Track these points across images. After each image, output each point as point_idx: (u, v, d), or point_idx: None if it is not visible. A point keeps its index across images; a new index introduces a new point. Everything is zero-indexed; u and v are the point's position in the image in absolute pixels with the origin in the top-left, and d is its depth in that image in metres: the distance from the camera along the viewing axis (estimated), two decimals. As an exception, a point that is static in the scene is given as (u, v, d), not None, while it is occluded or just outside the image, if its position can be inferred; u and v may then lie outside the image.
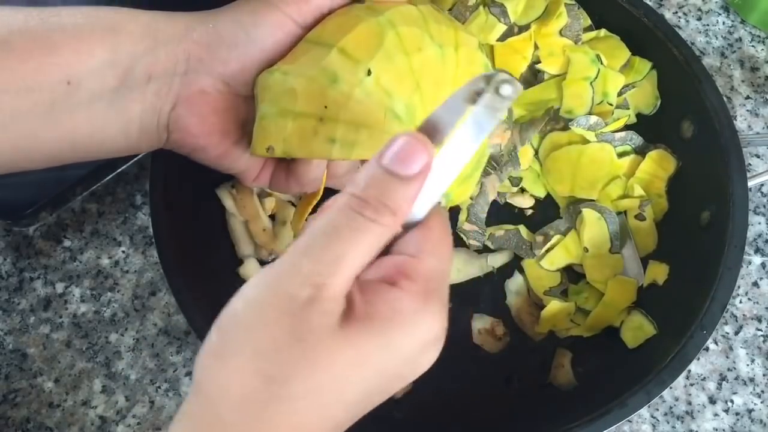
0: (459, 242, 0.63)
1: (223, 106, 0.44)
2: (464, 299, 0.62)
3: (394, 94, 0.41)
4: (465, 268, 0.62)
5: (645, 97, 0.65)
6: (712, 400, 0.61)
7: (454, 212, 0.64)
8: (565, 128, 0.62)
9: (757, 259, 0.66)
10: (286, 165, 0.48)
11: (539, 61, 0.64)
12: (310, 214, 0.51)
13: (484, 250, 0.63)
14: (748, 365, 0.62)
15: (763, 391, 0.61)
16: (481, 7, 0.62)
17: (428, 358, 0.34)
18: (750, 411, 0.61)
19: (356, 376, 0.31)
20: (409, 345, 0.32)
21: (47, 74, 0.40)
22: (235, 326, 0.30)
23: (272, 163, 0.48)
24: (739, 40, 0.74)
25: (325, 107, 0.40)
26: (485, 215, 0.63)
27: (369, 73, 0.40)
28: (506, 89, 0.33)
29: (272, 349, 0.29)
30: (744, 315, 0.64)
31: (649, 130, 0.64)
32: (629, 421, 0.59)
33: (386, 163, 0.32)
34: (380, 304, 0.31)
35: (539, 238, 0.63)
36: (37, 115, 0.41)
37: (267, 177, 0.49)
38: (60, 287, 0.64)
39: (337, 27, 0.42)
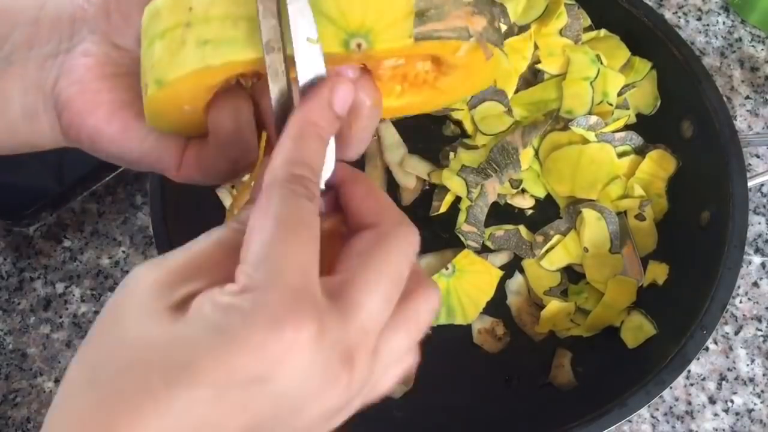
0: (458, 243, 0.63)
1: (112, 71, 0.35)
2: (464, 299, 0.62)
3: None
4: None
5: (645, 97, 0.65)
6: (712, 400, 0.61)
7: (454, 213, 0.64)
8: (565, 128, 0.62)
9: (757, 259, 0.66)
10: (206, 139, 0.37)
11: (539, 61, 0.64)
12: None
13: (484, 250, 0.63)
14: (748, 365, 0.62)
15: (763, 391, 0.61)
16: (481, 7, 0.62)
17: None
18: (750, 411, 0.61)
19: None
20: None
21: None
22: None
23: (197, 144, 0.37)
24: (739, 40, 0.74)
25: (190, 9, 0.32)
26: (484, 217, 0.63)
27: None
28: None
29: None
30: (744, 315, 0.64)
31: (649, 130, 0.64)
32: (629, 421, 0.59)
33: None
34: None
35: (539, 238, 0.63)
36: None
37: (194, 162, 0.37)
38: (60, 287, 0.64)
39: None
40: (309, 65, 0.30)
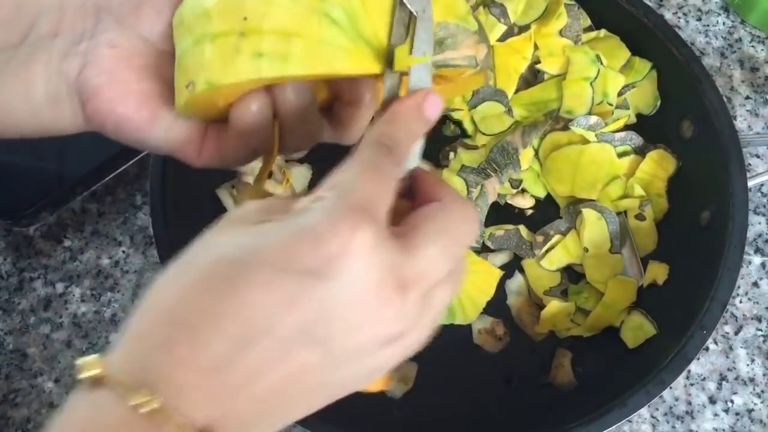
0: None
1: (140, 62, 0.37)
2: (464, 299, 0.62)
3: None
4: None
5: (645, 97, 0.65)
6: (712, 400, 0.61)
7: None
8: (565, 128, 0.62)
9: (757, 259, 0.66)
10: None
11: (539, 61, 0.64)
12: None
13: (484, 250, 0.63)
14: (748, 365, 0.62)
15: (763, 391, 0.61)
16: (481, 8, 0.62)
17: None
18: (750, 411, 0.61)
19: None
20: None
21: None
22: None
23: (216, 130, 0.39)
24: (739, 40, 0.74)
25: (245, 19, 0.34)
26: (484, 217, 0.63)
27: None
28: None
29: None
30: (744, 315, 0.64)
31: (649, 130, 0.64)
32: (629, 421, 0.59)
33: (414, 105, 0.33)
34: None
35: (539, 238, 0.63)
36: None
37: (213, 148, 0.39)
38: (60, 287, 0.64)
39: None
40: (418, 72, 0.35)
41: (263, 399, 0.29)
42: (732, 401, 0.61)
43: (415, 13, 0.35)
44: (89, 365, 0.28)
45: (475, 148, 0.64)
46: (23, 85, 0.37)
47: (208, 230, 0.32)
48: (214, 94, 0.35)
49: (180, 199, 0.58)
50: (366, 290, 0.28)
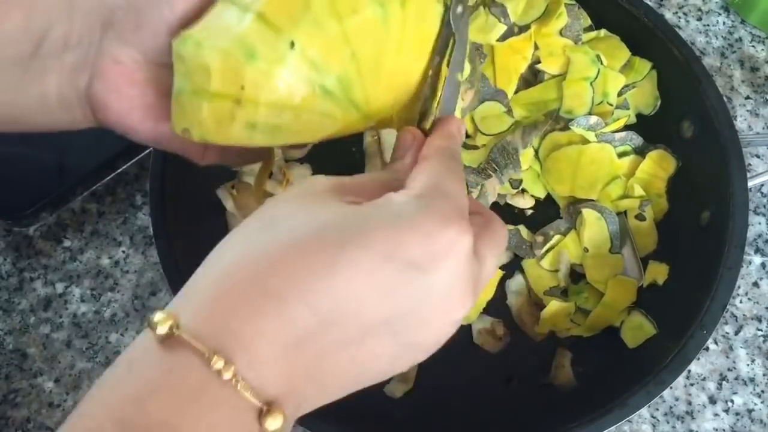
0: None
1: (141, 77, 0.39)
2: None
3: (324, 68, 0.35)
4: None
5: (645, 97, 0.65)
6: (712, 400, 0.61)
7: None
8: (565, 128, 0.62)
9: (757, 259, 0.66)
10: None
11: (539, 61, 0.64)
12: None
13: (484, 250, 0.63)
14: (748, 365, 0.62)
15: (763, 391, 0.61)
16: (481, 7, 0.62)
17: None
18: (750, 411, 0.61)
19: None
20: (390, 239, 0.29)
21: None
22: None
23: None
24: (739, 40, 0.74)
25: (243, 88, 0.35)
26: (485, 215, 0.63)
27: (292, 45, 0.35)
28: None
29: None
30: (744, 315, 0.64)
31: (649, 130, 0.64)
32: (629, 421, 0.59)
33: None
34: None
35: (539, 238, 0.63)
36: None
37: (216, 152, 0.42)
38: (60, 287, 0.64)
39: None
40: (449, 101, 0.39)
41: (325, 378, 0.29)
42: (732, 401, 0.61)
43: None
44: (162, 321, 0.27)
45: (475, 148, 0.64)
46: (39, 94, 0.39)
47: (282, 195, 0.32)
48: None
49: (180, 199, 0.58)
50: (453, 293, 0.30)
